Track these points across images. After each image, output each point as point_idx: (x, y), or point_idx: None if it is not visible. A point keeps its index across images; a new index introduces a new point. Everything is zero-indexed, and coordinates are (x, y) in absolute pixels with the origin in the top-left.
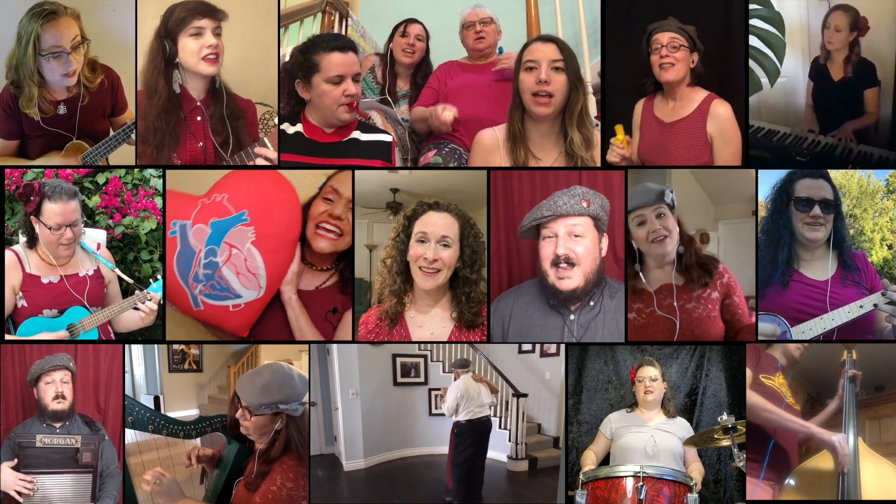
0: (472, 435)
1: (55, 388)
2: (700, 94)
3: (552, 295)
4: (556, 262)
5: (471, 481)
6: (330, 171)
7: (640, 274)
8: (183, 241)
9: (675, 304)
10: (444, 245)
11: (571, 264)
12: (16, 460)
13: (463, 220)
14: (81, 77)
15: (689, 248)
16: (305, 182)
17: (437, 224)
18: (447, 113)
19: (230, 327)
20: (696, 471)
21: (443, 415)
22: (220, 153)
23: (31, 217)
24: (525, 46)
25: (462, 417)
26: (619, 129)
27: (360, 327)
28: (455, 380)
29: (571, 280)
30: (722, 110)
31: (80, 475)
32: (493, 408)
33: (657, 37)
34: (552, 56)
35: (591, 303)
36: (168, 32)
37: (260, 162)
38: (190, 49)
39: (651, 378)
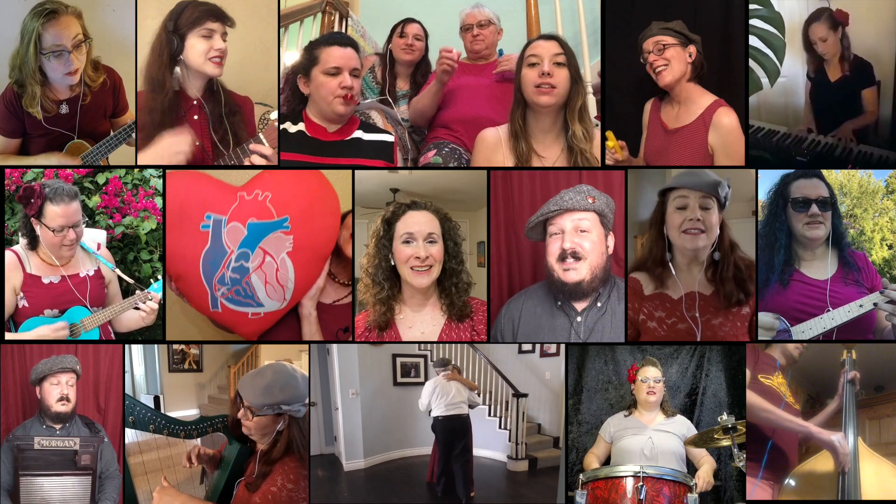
0: (443, 431)
1: (60, 390)
2: (706, 100)
3: (558, 289)
4: (562, 257)
5: (450, 476)
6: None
7: (672, 266)
8: (215, 239)
9: (697, 315)
10: (431, 241)
11: (578, 258)
12: None
13: (440, 215)
14: (84, 76)
15: (729, 257)
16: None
17: (421, 222)
18: (454, 51)
19: (243, 332)
20: (706, 467)
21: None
22: (218, 151)
23: (32, 219)
24: (527, 44)
25: (436, 413)
26: (609, 135)
27: (355, 329)
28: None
29: (577, 272)
30: (726, 121)
31: (79, 477)
32: (474, 406)
33: (643, 47)
34: (554, 51)
35: (598, 304)
36: (177, 28)
37: (255, 159)
38: (198, 49)
39: (655, 379)
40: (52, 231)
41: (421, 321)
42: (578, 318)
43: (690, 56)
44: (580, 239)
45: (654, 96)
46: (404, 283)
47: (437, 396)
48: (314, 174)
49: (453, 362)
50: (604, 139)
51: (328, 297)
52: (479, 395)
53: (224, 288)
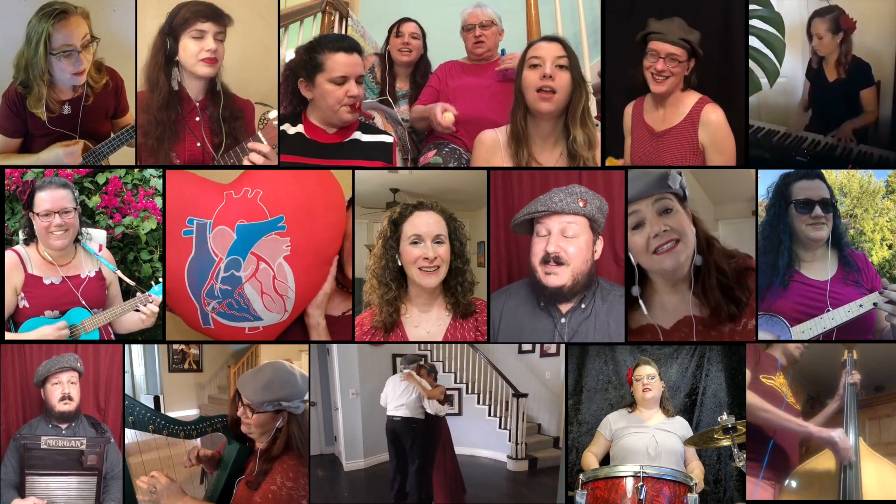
0: (387, 433)
1: (62, 390)
2: (691, 99)
3: (540, 291)
4: (545, 260)
5: (399, 482)
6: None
7: (642, 302)
8: (199, 246)
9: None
10: (439, 242)
11: (560, 263)
12: (32, 499)
13: (447, 215)
14: (87, 77)
15: (710, 258)
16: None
17: (429, 224)
18: (447, 115)
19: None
20: (697, 469)
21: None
22: (217, 152)
23: (31, 214)
24: (529, 45)
25: (389, 412)
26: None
27: (356, 328)
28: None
29: (558, 277)
30: (714, 117)
31: (85, 477)
32: (437, 414)
33: (657, 45)
34: (556, 54)
35: (583, 305)
36: (171, 30)
37: (254, 157)
38: (190, 50)
39: (649, 376)
40: (39, 216)
41: (427, 320)
42: (563, 320)
43: (688, 70)
44: (565, 243)
45: (636, 99)
46: (411, 282)
47: (390, 394)
48: (316, 171)
49: (424, 362)
50: (605, 138)
51: (336, 309)
52: (441, 403)
53: (214, 301)
